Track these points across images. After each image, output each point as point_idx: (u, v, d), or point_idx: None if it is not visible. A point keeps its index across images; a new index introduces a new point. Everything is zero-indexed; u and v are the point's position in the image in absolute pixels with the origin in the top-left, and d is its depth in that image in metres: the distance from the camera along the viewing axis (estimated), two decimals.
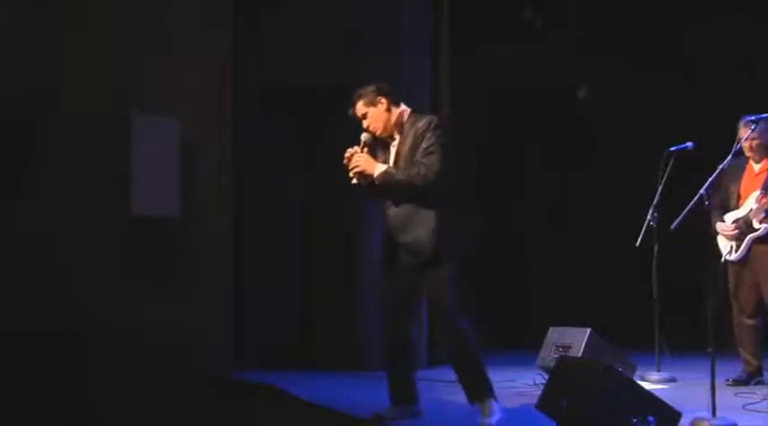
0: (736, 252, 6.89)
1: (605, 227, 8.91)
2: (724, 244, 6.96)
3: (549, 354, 6.97)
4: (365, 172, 5.58)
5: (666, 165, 7.27)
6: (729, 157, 5.74)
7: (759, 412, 5.94)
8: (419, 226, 5.56)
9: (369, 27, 8.02)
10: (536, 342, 7.18)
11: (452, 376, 6.77)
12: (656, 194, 7.31)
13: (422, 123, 5.58)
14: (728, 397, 6.20)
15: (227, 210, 7.53)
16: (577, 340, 6.85)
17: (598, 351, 6.72)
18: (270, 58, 7.80)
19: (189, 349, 7.25)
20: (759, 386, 6.79)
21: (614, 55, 9.55)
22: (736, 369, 7.04)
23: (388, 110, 5.69)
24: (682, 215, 5.93)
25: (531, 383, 6.70)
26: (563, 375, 5.52)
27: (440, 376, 7.39)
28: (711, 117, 8.16)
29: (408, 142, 5.60)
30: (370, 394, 6.85)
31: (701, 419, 5.40)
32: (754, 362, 7.00)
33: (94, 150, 7.36)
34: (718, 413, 5.40)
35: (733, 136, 6.34)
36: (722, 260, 6.93)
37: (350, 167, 5.61)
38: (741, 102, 6.70)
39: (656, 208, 7.30)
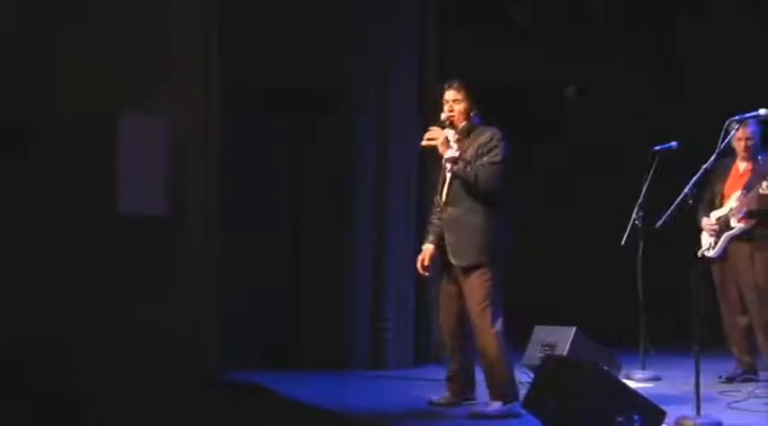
0: (713, 248, 7.01)
1: (590, 226, 8.93)
2: (705, 241, 7.09)
3: (534, 353, 6.99)
4: (438, 149, 5.97)
5: (651, 164, 7.33)
6: (714, 157, 5.77)
7: (743, 410, 5.98)
8: (466, 229, 5.92)
9: (364, 27, 8.03)
10: (521, 341, 7.20)
11: (440, 375, 6.83)
12: (641, 193, 7.36)
13: (487, 134, 5.99)
14: (713, 396, 6.23)
15: (216, 210, 7.53)
16: (563, 338, 6.87)
17: (583, 350, 6.75)
18: (262, 57, 7.79)
19: (179, 349, 7.25)
20: (745, 384, 6.84)
21: (607, 56, 9.58)
22: (723, 367, 7.09)
23: (470, 107, 6.09)
24: (667, 214, 5.97)
25: (517, 381, 6.72)
26: (548, 373, 5.54)
27: (426, 375, 7.42)
28: (696, 117, 8.21)
29: (471, 150, 5.97)
30: (359, 392, 6.88)
31: (686, 417, 5.43)
32: (746, 359, 7.07)
33: (83, 149, 7.37)
34: (702, 412, 5.43)
35: (717, 135, 6.38)
36: (698, 254, 7.02)
37: (426, 136, 6.01)
38: (726, 102, 6.72)
39: (642, 206, 7.35)
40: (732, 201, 6.97)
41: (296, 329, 7.97)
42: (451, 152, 5.95)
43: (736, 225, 6.91)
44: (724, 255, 7.02)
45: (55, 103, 7.31)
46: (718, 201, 7.08)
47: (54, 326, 7.05)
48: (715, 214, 7.05)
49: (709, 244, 7.04)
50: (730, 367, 7.12)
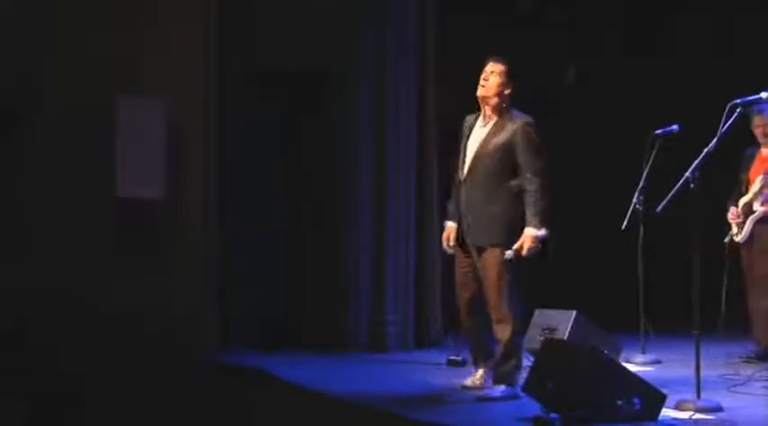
0: (740, 233, 7.14)
1: (591, 210, 8.91)
2: (734, 225, 7.22)
3: (534, 336, 6.98)
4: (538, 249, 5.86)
5: (652, 148, 7.32)
6: (715, 140, 5.75)
7: (743, 393, 5.98)
8: (484, 214, 5.87)
9: (362, 11, 8.00)
10: (522, 325, 7.18)
11: (440, 358, 6.83)
12: (642, 177, 7.35)
13: (518, 124, 5.92)
14: (713, 379, 6.23)
15: (215, 194, 7.52)
16: (563, 322, 6.86)
17: (584, 334, 6.74)
18: (259, 42, 7.78)
19: (176, 332, 7.26)
20: (747, 365, 6.87)
21: (605, 40, 9.56)
22: (724, 352, 7.12)
23: (504, 84, 5.98)
24: (667, 198, 5.95)
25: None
26: (548, 357, 5.54)
27: (427, 358, 7.42)
28: (697, 100, 8.19)
29: (503, 136, 5.92)
30: (359, 375, 6.88)
31: (686, 400, 5.43)
32: (764, 343, 7.11)
33: (81, 133, 7.37)
34: (702, 395, 5.43)
35: (718, 119, 6.37)
36: (725, 240, 7.21)
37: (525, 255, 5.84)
38: (726, 84, 6.71)
39: (642, 190, 7.33)
40: (756, 185, 7.11)
41: (295, 311, 7.97)
42: (535, 235, 5.82)
43: (759, 209, 7.05)
44: (751, 239, 7.13)
45: (54, 88, 7.30)
46: (744, 189, 7.21)
47: (49, 310, 7.07)
48: (742, 200, 7.19)
49: (736, 229, 7.17)
50: (731, 351, 7.16)
